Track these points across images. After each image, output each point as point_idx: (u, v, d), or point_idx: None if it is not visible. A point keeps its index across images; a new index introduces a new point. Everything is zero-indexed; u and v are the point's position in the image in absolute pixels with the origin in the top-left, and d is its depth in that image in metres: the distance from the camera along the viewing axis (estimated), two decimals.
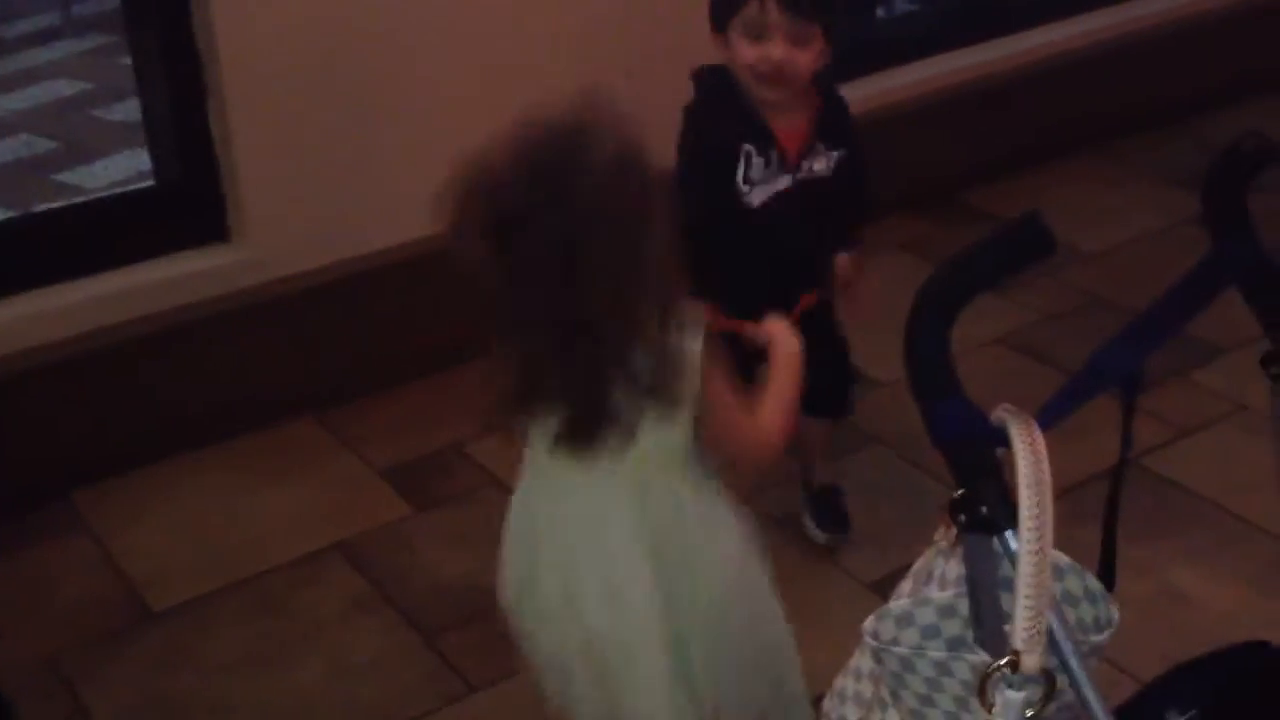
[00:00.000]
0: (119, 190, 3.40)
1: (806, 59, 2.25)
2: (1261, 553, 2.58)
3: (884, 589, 1.87)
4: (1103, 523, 1.42)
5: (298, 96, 2.92)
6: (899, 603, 1.40)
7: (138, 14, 2.94)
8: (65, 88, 5.04)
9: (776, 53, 2.23)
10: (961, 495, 1.24)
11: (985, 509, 1.22)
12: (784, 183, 2.35)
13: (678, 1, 2.85)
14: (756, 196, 2.33)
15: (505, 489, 1.90)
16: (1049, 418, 1.30)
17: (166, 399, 2.94)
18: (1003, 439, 1.23)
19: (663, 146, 1.87)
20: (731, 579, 1.83)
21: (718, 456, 1.81)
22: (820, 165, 2.38)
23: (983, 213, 3.77)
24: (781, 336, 1.88)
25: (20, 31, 5.52)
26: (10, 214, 3.48)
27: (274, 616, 2.54)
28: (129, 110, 3.80)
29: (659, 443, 1.71)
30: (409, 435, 3.00)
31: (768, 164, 2.33)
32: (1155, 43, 4.23)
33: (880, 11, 4.33)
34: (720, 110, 2.34)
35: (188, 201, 2.99)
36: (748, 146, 2.31)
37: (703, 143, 2.34)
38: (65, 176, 4.28)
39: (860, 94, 2.93)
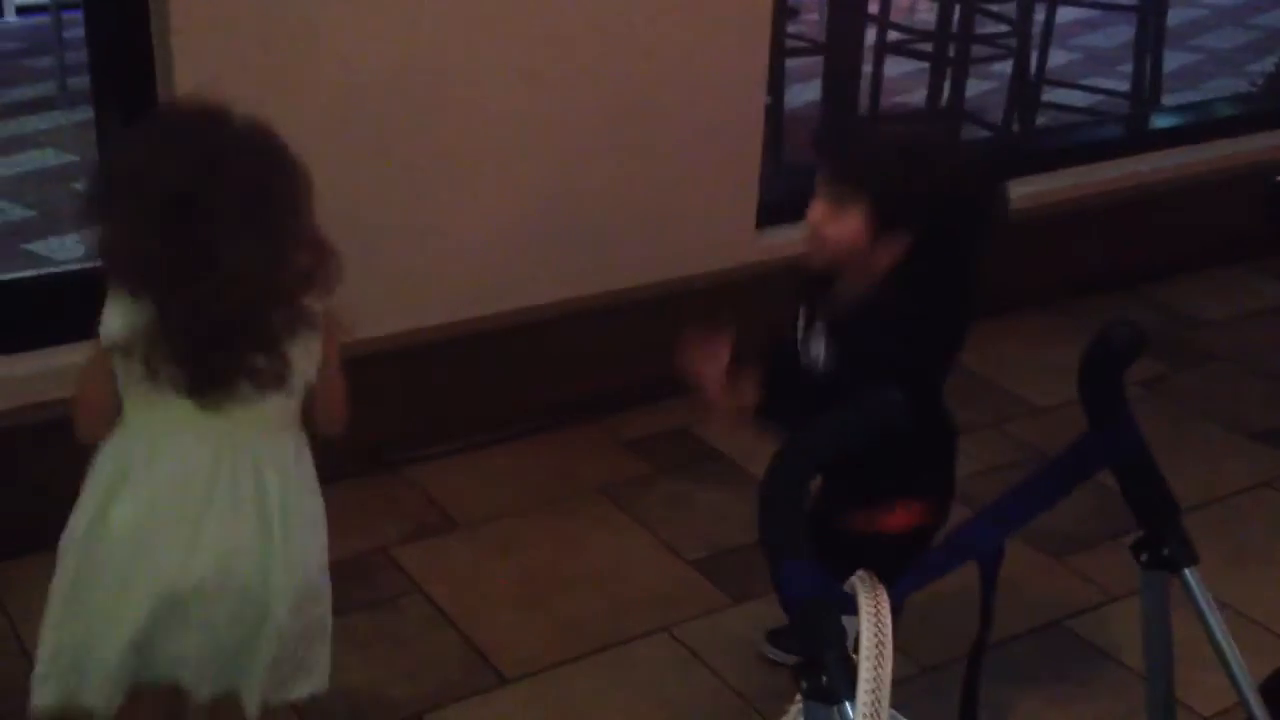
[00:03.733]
0: (66, 268, 3.41)
1: (838, 229, 2.07)
2: None
3: None
4: (960, 702, 1.42)
5: None
6: None
7: (105, 93, 2.99)
8: (52, 158, 5.06)
9: (813, 212, 2.11)
10: (804, 661, 1.24)
11: (825, 678, 1.22)
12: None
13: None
14: (815, 355, 2.17)
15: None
16: (903, 590, 1.30)
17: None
18: (851, 606, 1.23)
19: None
20: (321, 545, 1.97)
21: (320, 416, 1.94)
22: (817, 350, 2.17)
23: None
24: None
25: (14, 98, 5.58)
26: None
27: None
28: None
29: (277, 403, 1.83)
30: None
31: (808, 325, 2.21)
32: (1107, 208, 4.30)
33: None
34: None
35: None
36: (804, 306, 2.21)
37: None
38: (36, 246, 4.29)
39: None
